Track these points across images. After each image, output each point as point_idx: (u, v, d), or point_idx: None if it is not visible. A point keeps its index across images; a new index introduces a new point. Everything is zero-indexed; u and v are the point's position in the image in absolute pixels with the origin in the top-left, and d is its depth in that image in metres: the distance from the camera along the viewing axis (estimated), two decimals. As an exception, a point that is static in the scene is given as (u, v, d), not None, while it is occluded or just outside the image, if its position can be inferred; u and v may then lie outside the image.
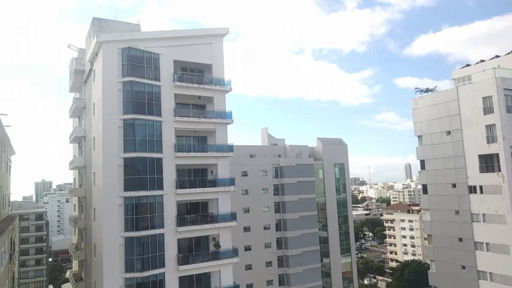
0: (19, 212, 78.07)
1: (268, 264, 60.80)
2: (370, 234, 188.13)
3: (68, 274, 54.34)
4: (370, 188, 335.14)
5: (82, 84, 43.41)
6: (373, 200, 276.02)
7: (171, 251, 32.55)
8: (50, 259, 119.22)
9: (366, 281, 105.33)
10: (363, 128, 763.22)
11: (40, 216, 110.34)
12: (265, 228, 61.40)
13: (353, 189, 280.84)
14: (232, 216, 36.00)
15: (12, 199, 49.62)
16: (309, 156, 69.87)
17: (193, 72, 37.75)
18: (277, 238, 62.27)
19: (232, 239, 36.27)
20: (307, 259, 62.21)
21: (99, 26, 35.69)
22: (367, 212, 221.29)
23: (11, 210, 44.79)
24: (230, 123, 37.43)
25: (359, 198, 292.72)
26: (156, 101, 33.51)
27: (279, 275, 61.54)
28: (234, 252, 35.70)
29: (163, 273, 31.78)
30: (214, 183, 35.73)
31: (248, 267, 58.54)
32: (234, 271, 35.90)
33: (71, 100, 46.38)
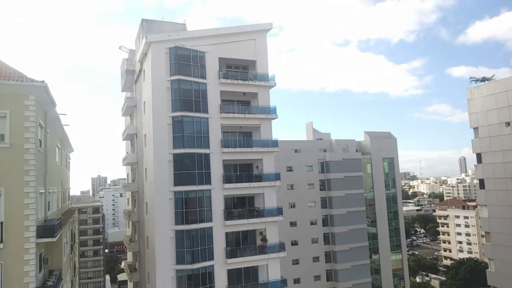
0: (78, 206, 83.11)
1: (316, 259, 60.44)
2: (422, 230, 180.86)
3: (123, 264, 57.17)
4: (422, 183, 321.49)
5: (133, 84, 45.32)
6: (424, 196, 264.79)
7: (219, 244, 33.31)
8: (106, 250, 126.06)
9: (418, 279, 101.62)
10: (413, 120, 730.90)
11: (96, 210, 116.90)
12: (312, 223, 60.99)
13: (403, 184, 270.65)
14: (278, 211, 36.14)
15: (71, 193, 52.88)
16: (356, 151, 68.33)
17: (237, 68, 38.19)
18: (324, 234, 61.66)
19: (278, 233, 36.44)
20: (355, 255, 61.09)
21: (148, 27, 37.03)
22: (419, 208, 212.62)
23: (70, 204, 47.83)
24: (274, 118, 37.50)
25: (409, 193, 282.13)
26: (202, 98, 34.29)
27: (326, 270, 60.98)
28: (281, 247, 35.86)
29: (212, 266, 32.62)
30: (259, 178, 36.03)
31: (295, 262, 58.51)
32: (281, 265, 36.05)
33: (123, 99, 48.55)
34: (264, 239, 35.31)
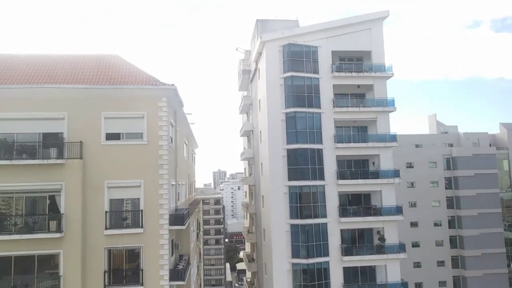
0: (201, 197, 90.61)
1: (440, 263, 55.54)
2: None
3: (242, 254, 60.51)
4: None
5: (248, 83, 47.47)
6: None
7: (334, 241, 32.91)
8: (226, 240, 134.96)
9: None
10: None
11: (217, 201, 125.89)
12: (436, 224, 56.17)
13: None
14: (398, 210, 34.08)
15: (196, 186, 57.87)
16: (490, 145, 60.48)
17: (351, 60, 37.02)
18: (450, 236, 56.19)
19: (398, 234, 34.39)
20: (489, 262, 54.28)
21: (262, 27, 38.30)
22: None
23: (196, 195, 52.39)
24: (392, 111, 35.39)
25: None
26: (315, 93, 34.15)
27: (453, 276, 55.55)
28: (401, 248, 33.82)
29: (328, 262, 32.40)
30: (376, 175, 34.46)
31: (416, 265, 54.67)
32: (401, 267, 33.99)
33: (240, 98, 51.20)
34: (382, 239, 33.71)
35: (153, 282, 19.91)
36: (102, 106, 20.87)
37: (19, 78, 21.25)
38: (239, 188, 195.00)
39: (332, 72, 34.64)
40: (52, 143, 20.14)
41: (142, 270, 19.95)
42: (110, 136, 20.86)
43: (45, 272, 19.51)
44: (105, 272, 19.74)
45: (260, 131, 38.59)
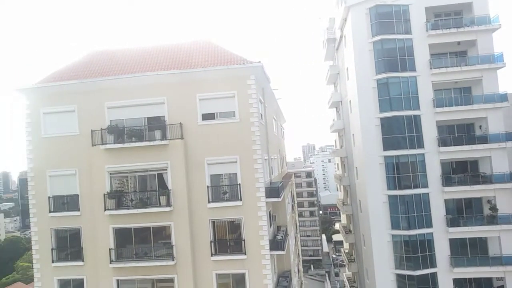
0: (293, 171, 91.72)
1: None
2: None
3: (337, 226, 60.44)
4: None
5: (334, 52, 45.96)
6: None
7: (438, 211, 31.06)
8: (320, 212, 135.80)
9: None
10: None
11: (309, 174, 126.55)
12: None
13: None
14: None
15: (287, 160, 58.65)
16: None
17: (448, 16, 33.53)
18: None
19: (512, 203, 31.11)
20: None
21: (345, -9, 36.44)
22: None
23: (287, 169, 53.21)
24: (501, 67, 31.46)
25: None
26: (408, 56, 31.83)
27: None
28: (517, 218, 30.57)
29: (431, 233, 30.83)
30: (484, 139, 31.27)
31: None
32: (518, 239, 30.86)
33: (327, 68, 49.94)
34: (493, 208, 30.81)
35: (254, 252, 21.01)
36: (197, 89, 22.07)
37: (124, 69, 23.46)
38: (329, 161, 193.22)
39: (427, 31, 31.80)
40: (155, 126, 22.01)
41: (244, 240, 21.14)
42: (206, 116, 22.05)
43: (159, 242, 21.79)
44: (211, 242, 21.36)
45: (350, 101, 37.40)
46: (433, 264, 30.72)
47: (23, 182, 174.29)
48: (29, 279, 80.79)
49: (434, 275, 30.74)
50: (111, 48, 27.14)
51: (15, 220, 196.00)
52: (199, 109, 21.97)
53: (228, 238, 21.74)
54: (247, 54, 27.13)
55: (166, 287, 21.62)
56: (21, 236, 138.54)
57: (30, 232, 24.75)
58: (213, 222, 21.62)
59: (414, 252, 30.57)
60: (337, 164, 54.18)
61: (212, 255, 21.23)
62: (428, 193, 31.01)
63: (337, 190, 59.75)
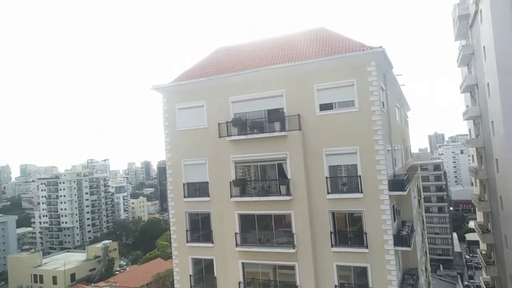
0: (418, 163, 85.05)
1: None
2: None
3: (472, 224, 54.22)
4: None
5: (467, 30, 40.85)
6: None
7: None
8: (451, 208, 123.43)
9: None
10: None
11: (437, 167, 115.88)
12: None
13: None
14: None
15: (411, 151, 54.64)
16: None
17: None
18: None
19: None
20: None
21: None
22: None
23: (412, 161, 49.53)
24: None
25: None
26: None
27: None
28: None
29: None
30: None
31: None
32: None
33: (458, 48, 44.79)
34: None
35: (377, 246, 20.20)
36: (314, 79, 22.02)
37: (244, 65, 24.70)
38: (462, 152, 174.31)
39: None
40: (275, 117, 22.72)
41: (366, 233, 20.49)
42: (323, 107, 21.88)
43: (280, 230, 22.52)
44: (331, 233, 21.24)
45: (488, 84, 32.87)
46: None
47: (161, 170, 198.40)
48: (167, 256, 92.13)
49: None
50: (234, 44, 28.73)
51: (155, 204, 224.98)
52: (317, 100, 21.90)
53: (348, 230, 21.36)
54: (367, 39, 25.92)
55: (287, 273, 22.30)
56: (160, 218, 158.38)
57: (167, 215, 28.05)
58: (333, 214, 21.45)
59: None
60: (472, 155, 48.50)
61: (332, 246, 21.11)
62: None
63: (472, 184, 53.49)
